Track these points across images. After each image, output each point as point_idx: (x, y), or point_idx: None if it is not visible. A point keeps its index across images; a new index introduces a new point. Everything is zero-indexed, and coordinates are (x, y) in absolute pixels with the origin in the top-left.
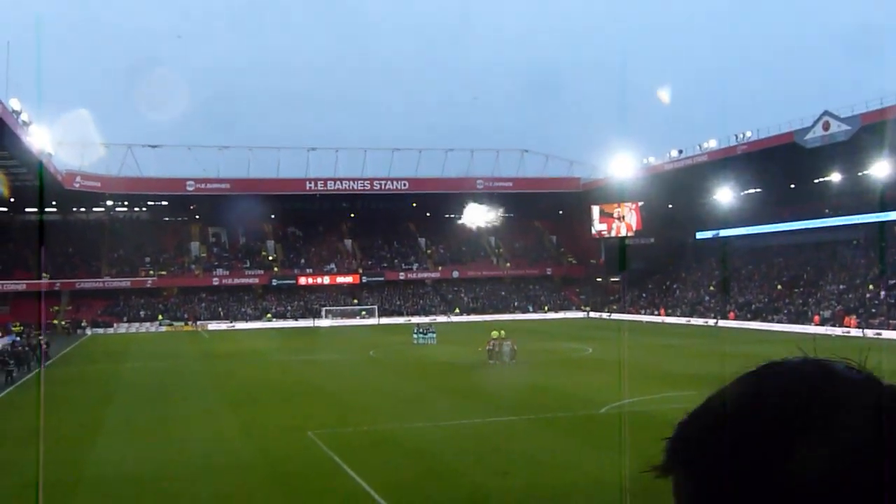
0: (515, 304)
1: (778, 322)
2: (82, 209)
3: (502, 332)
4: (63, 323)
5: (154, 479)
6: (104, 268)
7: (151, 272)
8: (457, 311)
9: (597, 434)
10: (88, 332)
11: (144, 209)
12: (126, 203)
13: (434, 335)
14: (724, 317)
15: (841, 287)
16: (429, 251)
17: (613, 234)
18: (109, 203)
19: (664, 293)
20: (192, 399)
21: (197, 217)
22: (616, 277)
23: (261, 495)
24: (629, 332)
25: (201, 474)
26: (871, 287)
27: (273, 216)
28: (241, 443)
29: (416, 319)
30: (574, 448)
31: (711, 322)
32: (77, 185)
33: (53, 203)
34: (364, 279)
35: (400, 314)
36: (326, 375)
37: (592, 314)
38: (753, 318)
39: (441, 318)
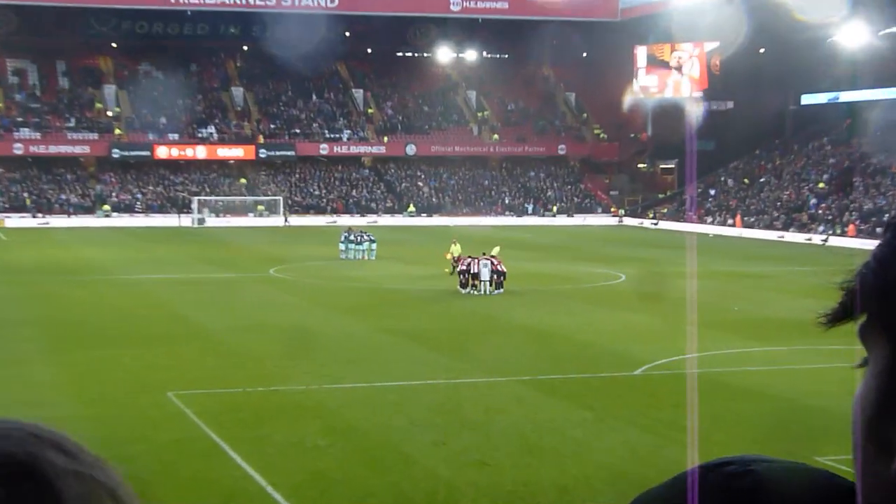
0: (507, 199)
1: None
2: None
3: (494, 250)
4: None
5: None
6: None
7: None
8: (411, 209)
9: (626, 407)
10: None
11: None
12: None
13: (374, 246)
14: (841, 231)
15: None
16: (370, 111)
17: (668, 93)
18: None
19: (745, 191)
20: None
21: None
22: (669, 163)
23: None
24: (686, 250)
25: None
26: None
27: (115, 45)
28: (65, 408)
29: (345, 220)
30: (589, 426)
31: (819, 238)
32: None
33: None
34: (263, 153)
35: (320, 211)
36: (200, 305)
37: (629, 220)
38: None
39: (387, 220)
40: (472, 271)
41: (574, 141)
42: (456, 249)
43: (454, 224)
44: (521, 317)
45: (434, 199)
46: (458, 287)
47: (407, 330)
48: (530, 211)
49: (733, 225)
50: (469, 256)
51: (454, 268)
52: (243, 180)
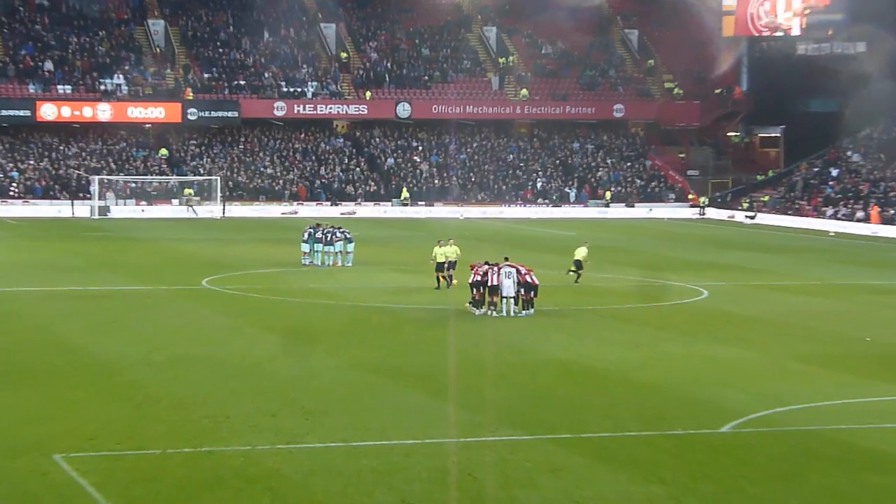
0: (539, 182)
1: None
2: None
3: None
4: None
5: None
6: None
7: None
8: (404, 195)
9: (709, 479)
10: None
11: None
12: None
13: (350, 247)
14: None
15: None
16: (345, 55)
17: (772, 29)
18: None
19: (882, 171)
20: None
21: None
22: (772, 131)
23: None
24: (797, 255)
25: None
26: None
27: None
28: None
29: (310, 211)
30: None
31: None
32: None
33: None
34: (193, 114)
35: (275, 197)
36: (101, 330)
37: (714, 212)
38: None
39: (369, 211)
40: (489, 283)
41: (636, 98)
42: (443, 253)
43: (464, 216)
44: (558, 348)
45: (437, 182)
46: (469, 305)
47: (396, 367)
48: (573, 198)
49: (865, 219)
50: (486, 263)
51: (441, 280)
52: (164, 152)
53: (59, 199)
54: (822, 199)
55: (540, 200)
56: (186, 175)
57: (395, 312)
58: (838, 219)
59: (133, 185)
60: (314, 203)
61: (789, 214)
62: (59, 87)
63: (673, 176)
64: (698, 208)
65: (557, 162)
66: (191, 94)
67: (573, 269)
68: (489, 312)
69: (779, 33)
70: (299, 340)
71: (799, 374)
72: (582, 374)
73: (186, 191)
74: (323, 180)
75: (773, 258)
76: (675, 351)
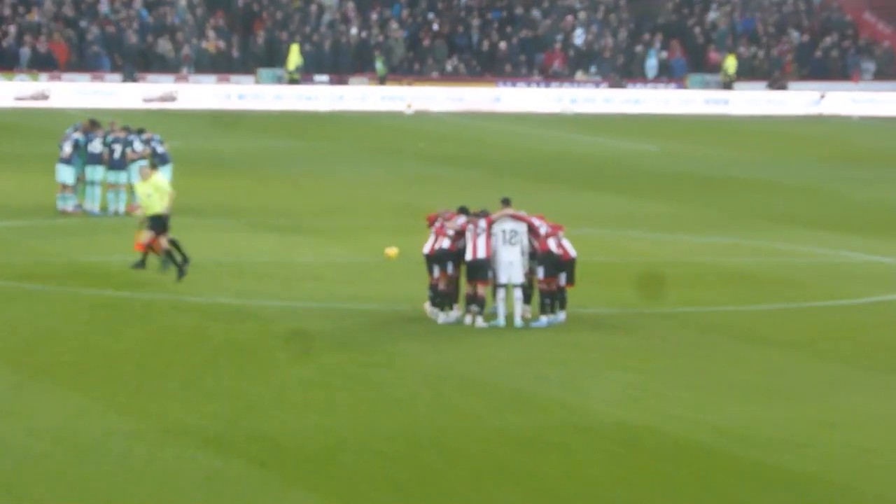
0: (580, 37)
1: None
2: None
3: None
4: None
5: None
6: None
7: None
8: (295, 64)
9: None
10: None
11: None
12: None
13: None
14: None
15: None
16: None
17: None
18: None
19: None
20: None
21: None
22: None
23: None
24: None
25: None
26: None
27: None
28: None
29: (78, 94)
30: None
31: None
32: None
33: None
34: None
35: (3, 65)
36: None
37: None
38: None
39: (206, 93)
40: (470, 256)
41: None
42: None
43: (413, 107)
44: (618, 401)
45: (356, 33)
46: (427, 306)
47: (265, 439)
48: (653, 71)
49: None
50: (461, 211)
51: None
52: None
53: None
54: None
55: (581, 74)
56: None
57: (260, 318)
58: None
59: None
60: (87, 76)
61: None
62: None
63: (870, 22)
64: None
65: None
66: None
67: None
68: (470, 319)
69: None
70: (56, 377)
71: None
72: (670, 454)
73: None
74: (108, 28)
75: None
76: (876, 409)
